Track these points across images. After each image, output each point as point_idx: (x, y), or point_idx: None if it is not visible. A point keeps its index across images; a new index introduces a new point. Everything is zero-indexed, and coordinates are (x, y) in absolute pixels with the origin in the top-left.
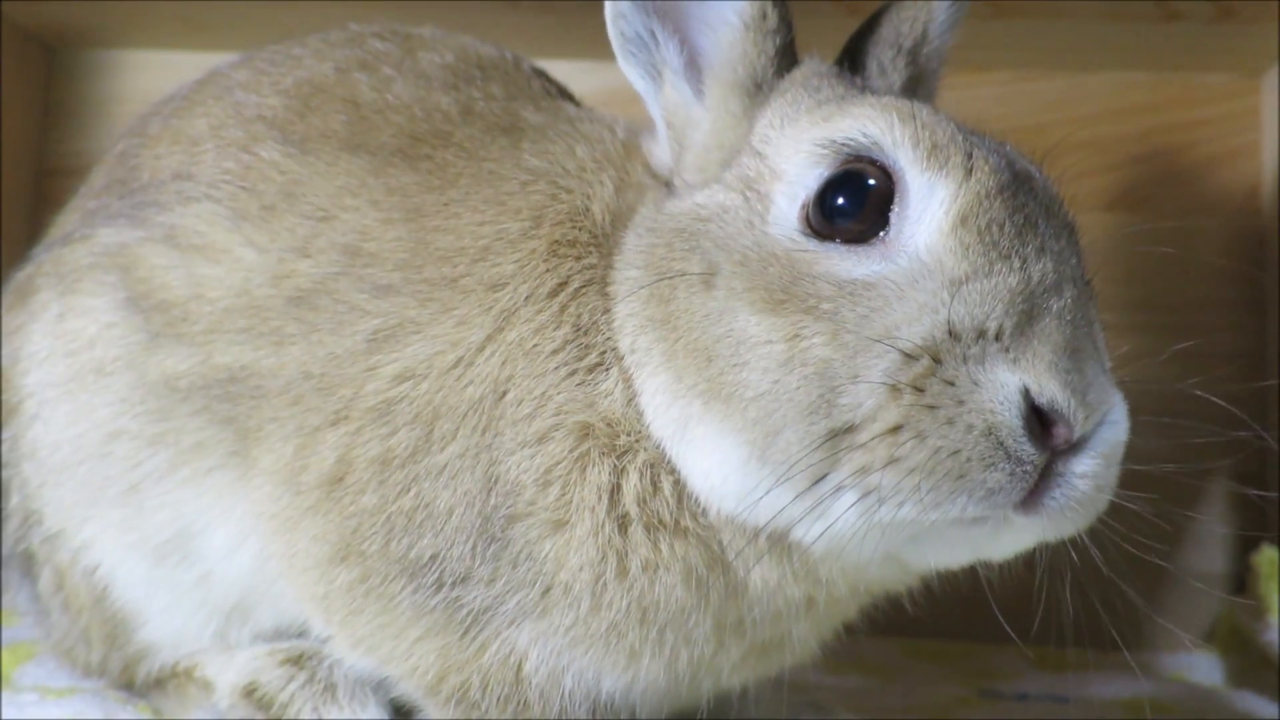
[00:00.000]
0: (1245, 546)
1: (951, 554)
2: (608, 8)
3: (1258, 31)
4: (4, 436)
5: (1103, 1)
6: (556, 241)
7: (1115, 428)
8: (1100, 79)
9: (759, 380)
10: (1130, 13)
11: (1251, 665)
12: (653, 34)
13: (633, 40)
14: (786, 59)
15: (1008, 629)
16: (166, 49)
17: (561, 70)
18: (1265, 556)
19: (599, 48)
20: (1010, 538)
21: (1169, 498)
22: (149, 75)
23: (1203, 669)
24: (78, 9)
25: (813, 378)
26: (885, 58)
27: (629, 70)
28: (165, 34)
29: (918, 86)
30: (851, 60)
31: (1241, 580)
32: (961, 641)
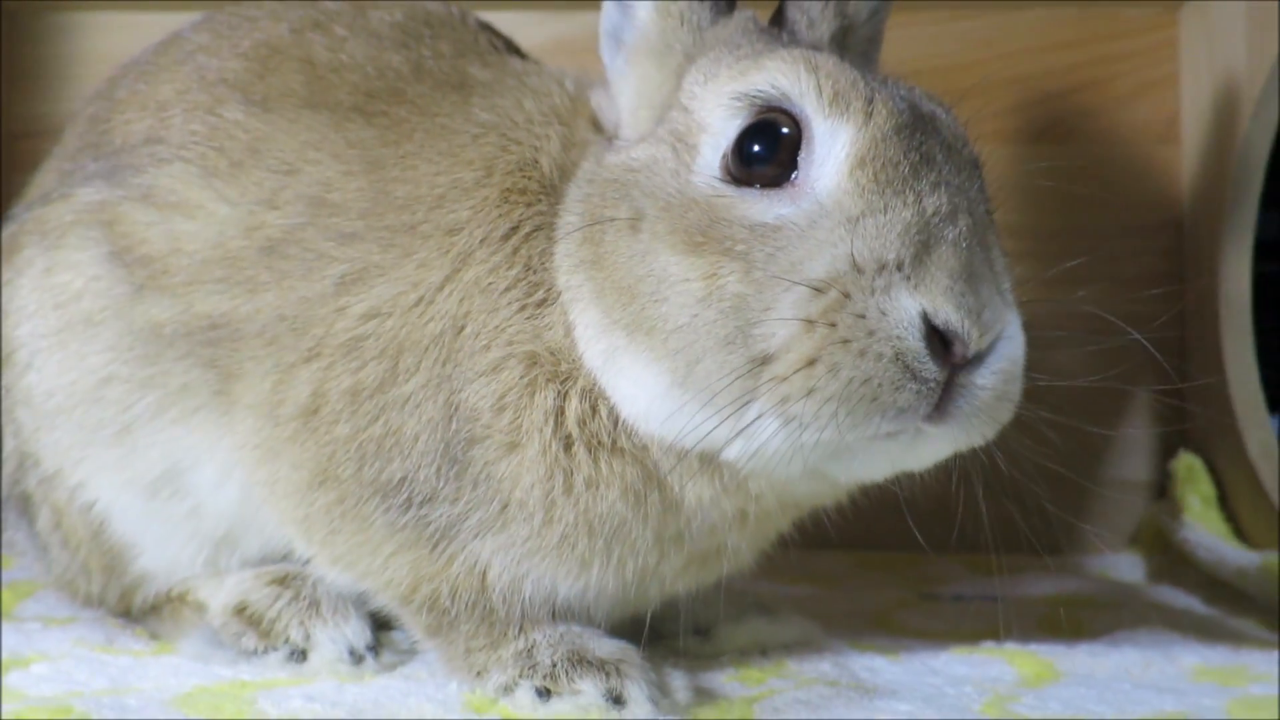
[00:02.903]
0: (1167, 455)
1: (873, 467)
2: (603, 11)
3: None
4: None
5: None
6: (508, 189)
7: (1011, 343)
8: (1027, 15)
9: (678, 314)
10: None
11: (1170, 563)
12: (620, 21)
13: (609, 34)
14: (707, 14)
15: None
16: (124, 9)
17: (511, 20)
18: (1183, 463)
19: None
20: (926, 448)
21: (1097, 413)
22: (108, 36)
23: (1125, 568)
24: None
25: (729, 311)
26: (814, 11)
27: (605, 55)
28: None
29: (846, 36)
30: (782, 15)
31: (1164, 486)
32: (906, 552)
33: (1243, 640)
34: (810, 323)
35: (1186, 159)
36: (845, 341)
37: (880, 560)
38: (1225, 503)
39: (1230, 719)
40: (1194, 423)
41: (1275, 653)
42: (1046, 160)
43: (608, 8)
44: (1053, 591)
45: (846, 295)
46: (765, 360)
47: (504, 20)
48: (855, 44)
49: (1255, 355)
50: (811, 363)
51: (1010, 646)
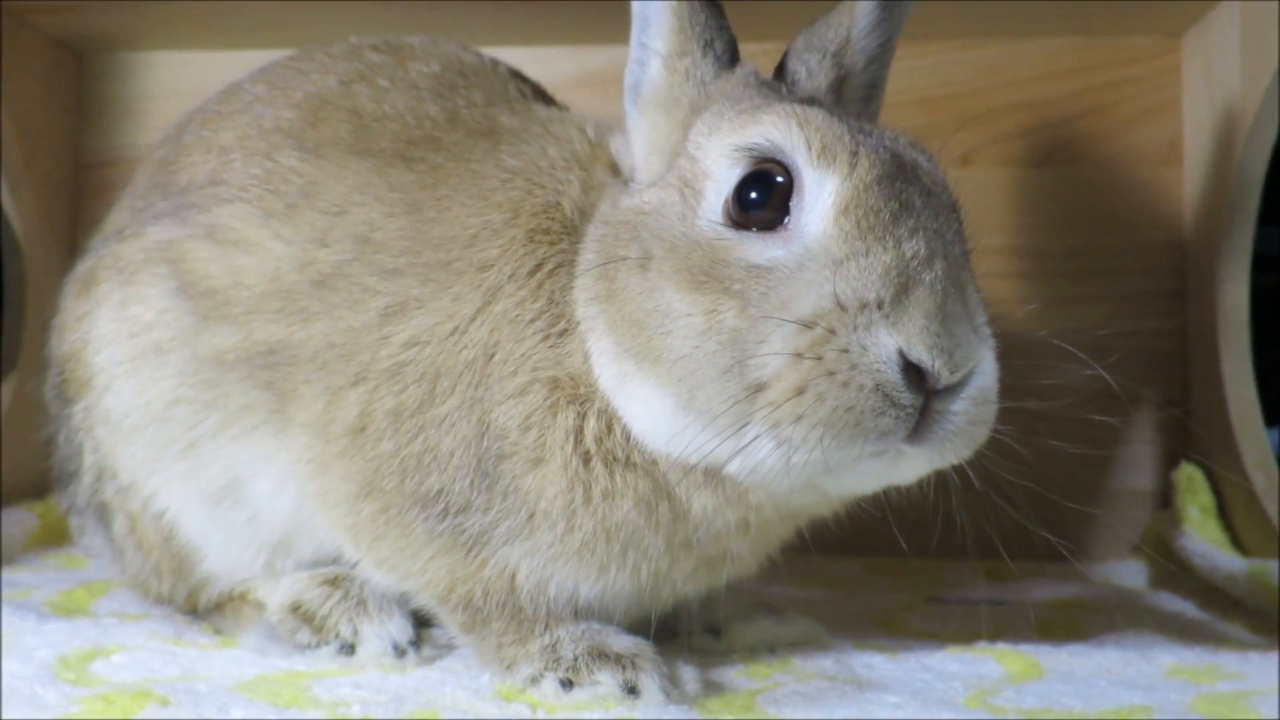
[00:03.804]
0: (1170, 466)
1: (861, 482)
2: (627, 66)
3: None
4: (79, 406)
5: None
6: (533, 230)
7: (983, 376)
8: (1033, 45)
9: (681, 345)
10: None
11: (1171, 570)
12: (642, 73)
13: (631, 86)
14: (710, 68)
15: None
16: (185, 50)
17: (543, 56)
18: (1184, 473)
19: (576, 35)
20: (907, 467)
21: (1102, 426)
22: (170, 74)
23: (1129, 575)
24: (103, 18)
25: (726, 344)
26: (812, 62)
27: (627, 105)
28: (183, 37)
29: (843, 85)
30: (783, 67)
31: (1167, 496)
32: (916, 559)
33: (1223, 642)
34: (799, 355)
35: (1188, 181)
36: (830, 373)
37: (891, 566)
38: (1224, 512)
39: (1192, 715)
40: (1195, 435)
41: (1249, 653)
42: (1053, 183)
43: (630, 65)
44: (1054, 596)
45: (832, 331)
46: (759, 388)
47: (535, 55)
48: (853, 91)
49: (1253, 370)
50: (800, 391)
51: (1001, 646)
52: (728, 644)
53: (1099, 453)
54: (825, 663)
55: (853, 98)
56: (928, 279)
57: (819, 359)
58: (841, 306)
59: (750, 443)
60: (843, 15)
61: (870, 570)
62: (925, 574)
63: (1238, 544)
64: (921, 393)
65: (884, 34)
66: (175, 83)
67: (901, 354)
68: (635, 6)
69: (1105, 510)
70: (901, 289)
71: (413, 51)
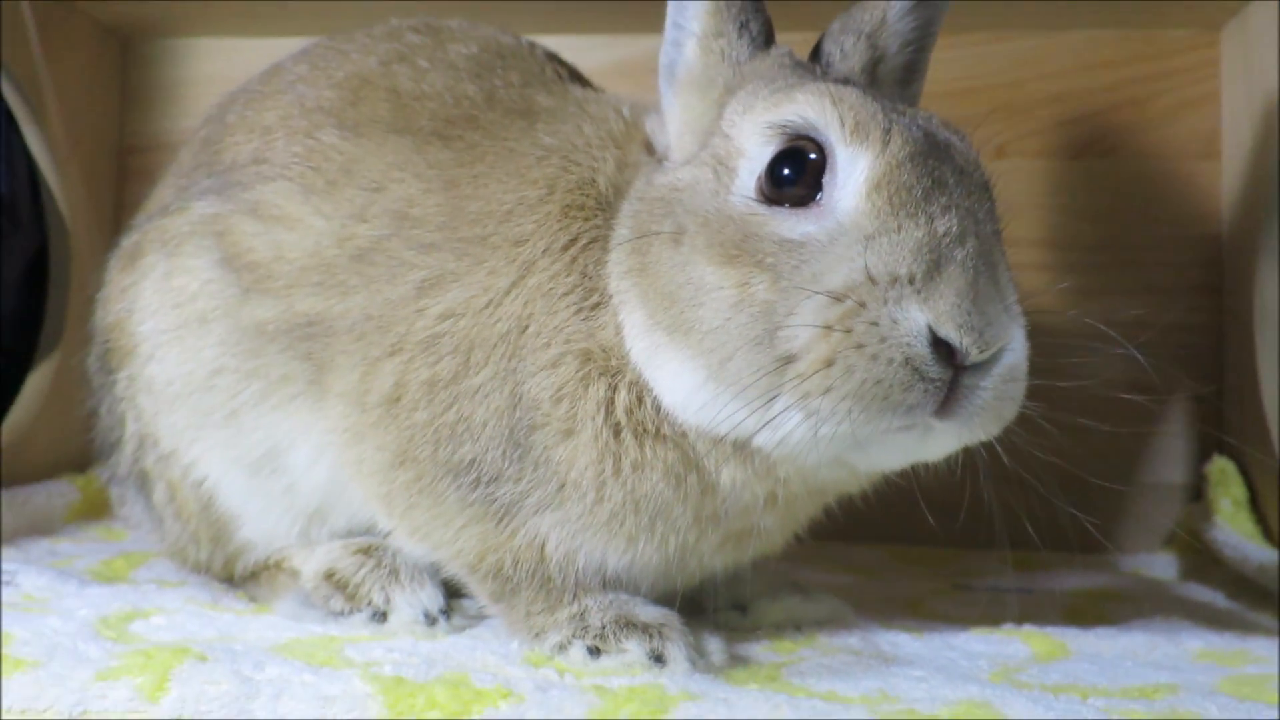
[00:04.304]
0: (1204, 459)
1: (888, 458)
2: (662, 48)
3: None
4: (122, 375)
5: None
6: (568, 206)
7: (1013, 354)
8: (1070, 36)
9: (713, 318)
10: None
11: (1202, 562)
12: (677, 55)
13: (666, 67)
14: (745, 48)
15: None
16: (228, 36)
17: (577, 44)
18: (1216, 466)
19: (609, 25)
20: (936, 442)
21: (1136, 418)
22: (213, 61)
23: (1159, 566)
24: (148, 4)
25: (757, 316)
26: (847, 44)
27: (662, 85)
28: (226, 24)
29: (877, 66)
30: (819, 48)
31: (1199, 489)
32: (945, 548)
33: (1252, 629)
34: (828, 328)
35: (1226, 175)
36: (860, 346)
37: (919, 554)
38: (1256, 505)
39: (1219, 694)
40: (1228, 428)
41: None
42: (1089, 176)
43: (666, 48)
44: (1083, 585)
45: (862, 304)
46: (789, 360)
47: (571, 44)
48: (888, 73)
49: None
50: (829, 363)
51: (1028, 628)
52: (754, 621)
53: (1131, 445)
54: (851, 640)
55: (889, 80)
56: (959, 256)
57: (848, 331)
58: (872, 280)
59: (779, 414)
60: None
61: (897, 558)
62: (952, 562)
63: (1269, 536)
64: (950, 368)
65: (921, 17)
66: (218, 69)
67: (931, 330)
68: None
69: (1137, 502)
70: (933, 265)
71: (451, 33)
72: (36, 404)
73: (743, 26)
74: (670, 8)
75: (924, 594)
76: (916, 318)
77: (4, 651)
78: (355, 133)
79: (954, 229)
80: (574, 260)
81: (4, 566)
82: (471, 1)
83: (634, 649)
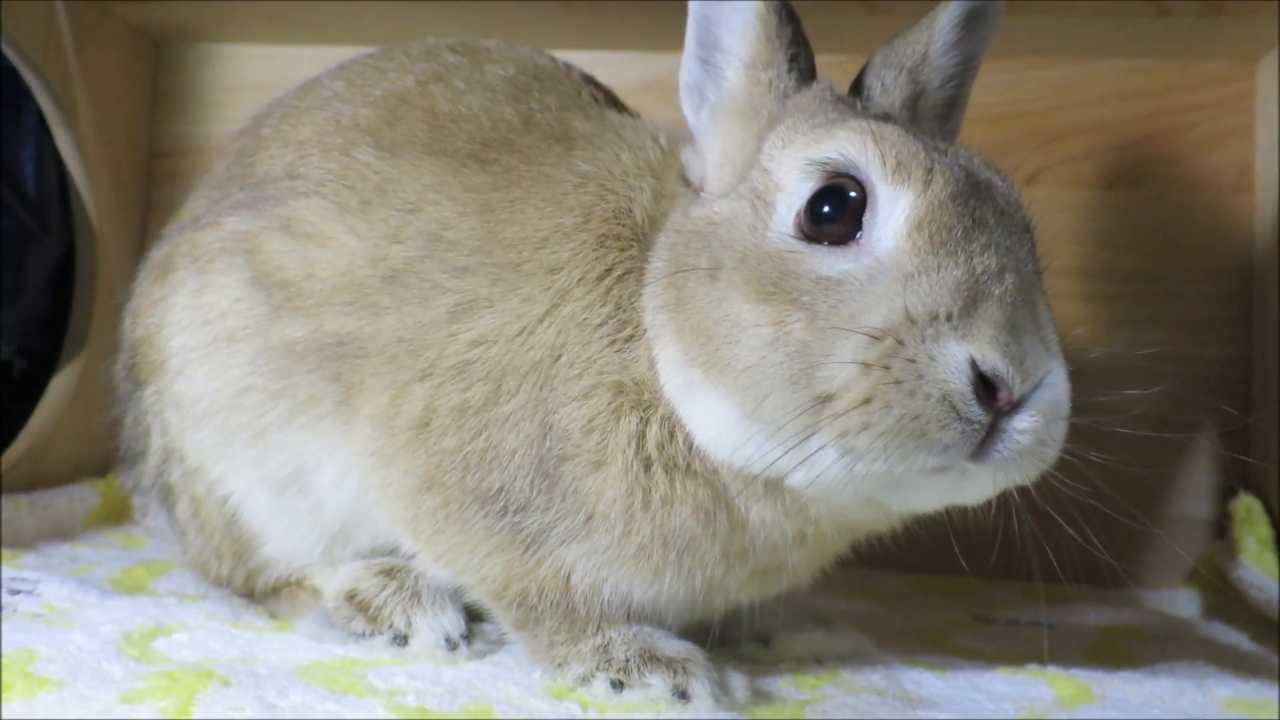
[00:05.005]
0: (1229, 495)
1: (922, 499)
2: (682, 64)
3: (1250, 22)
4: (149, 389)
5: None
6: (604, 235)
7: (1052, 390)
8: (1104, 66)
9: (748, 355)
10: (1125, 8)
11: (1225, 600)
12: (704, 78)
13: (691, 87)
14: (792, 82)
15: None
16: (261, 43)
17: (610, 60)
18: (1242, 503)
19: (642, 41)
20: (972, 486)
21: (1160, 452)
22: (246, 67)
23: (1182, 603)
24: (183, 8)
25: (794, 355)
26: (888, 78)
27: (686, 109)
28: (259, 30)
29: (918, 101)
30: (860, 81)
31: (1223, 526)
32: (965, 577)
33: None
34: (867, 366)
35: (1259, 208)
36: (898, 382)
37: (939, 583)
38: None
39: None
40: (1255, 466)
41: None
42: (1120, 205)
43: (688, 63)
44: (1105, 621)
45: (900, 342)
46: (826, 399)
47: (604, 60)
48: (929, 108)
49: None
50: (868, 400)
51: (1053, 670)
52: (776, 653)
53: (1155, 478)
54: (874, 677)
55: (929, 115)
56: (997, 293)
57: (886, 369)
58: (911, 319)
59: (814, 453)
60: (921, 32)
61: (916, 586)
62: (971, 592)
63: None
64: (990, 411)
65: (964, 53)
66: (250, 75)
67: (973, 365)
68: (702, 5)
69: (1159, 537)
70: (971, 302)
71: (489, 54)
72: (60, 407)
73: (794, 60)
74: (695, 21)
75: (945, 626)
76: (955, 353)
77: (30, 669)
78: (391, 152)
79: (993, 266)
80: (609, 291)
81: (26, 575)
82: (504, 12)
83: (658, 684)
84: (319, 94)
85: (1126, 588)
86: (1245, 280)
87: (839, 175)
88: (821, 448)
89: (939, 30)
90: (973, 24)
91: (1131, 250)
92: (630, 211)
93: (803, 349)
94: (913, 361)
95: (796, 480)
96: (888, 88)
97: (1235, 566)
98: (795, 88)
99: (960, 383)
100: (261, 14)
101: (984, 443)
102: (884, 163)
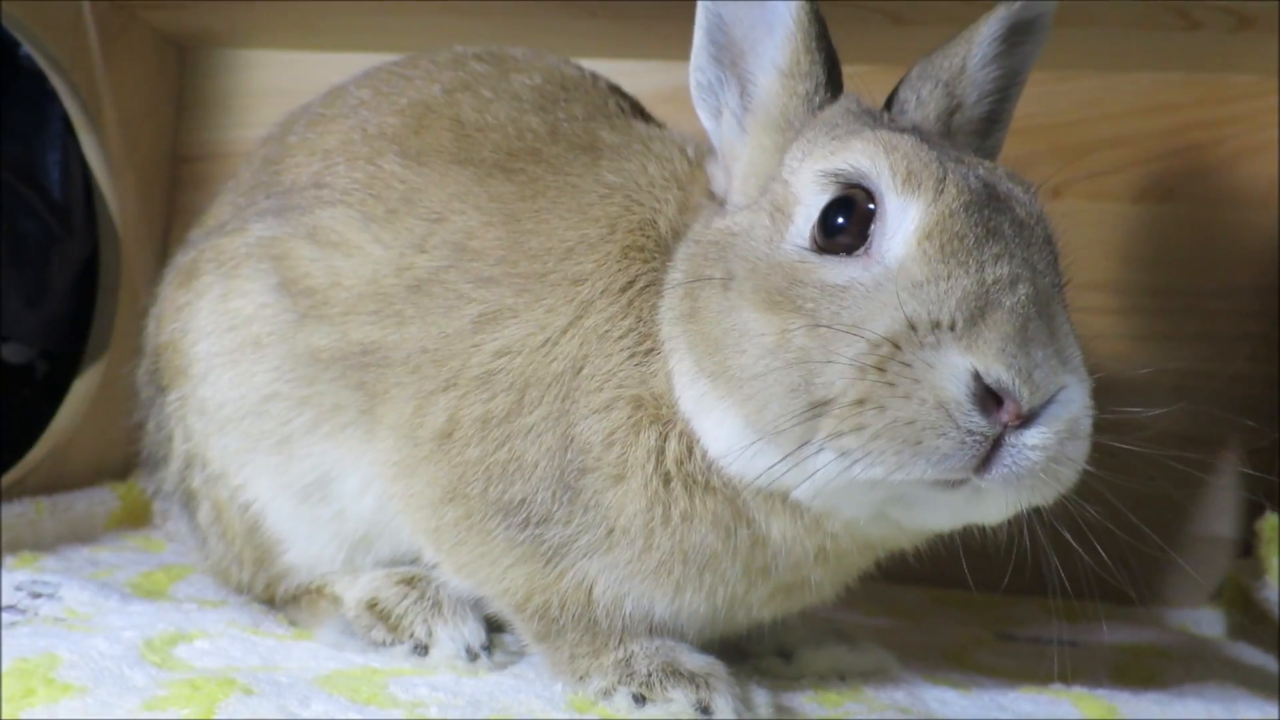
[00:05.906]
0: (1255, 514)
1: (936, 516)
2: (691, 63)
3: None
4: (173, 394)
5: (1128, 9)
6: (628, 247)
7: (1066, 406)
8: (1131, 79)
9: (753, 364)
10: (1154, 21)
11: (1251, 621)
12: (720, 80)
13: (705, 88)
14: (825, 95)
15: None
16: (286, 49)
17: (633, 69)
18: (1269, 523)
19: (666, 50)
20: (987, 505)
21: (1187, 470)
22: (270, 72)
23: (1206, 623)
24: (208, 14)
25: (794, 362)
26: (924, 91)
27: (701, 112)
28: (285, 36)
29: (954, 115)
30: (896, 94)
31: (1249, 544)
32: (987, 593)
33: None
34: (862, 369)
35: None
36: (891, 385)
37: (961, 599)
38: None
39: None
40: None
41: None
42: (1146, 220)
43: (700, 62)
44: (1130, 641)
45: (898, 347)
46: (824, 404)
47: (627, 68)
48: (965, 123)
49: None
50: (861, 402)
51: (1078, 690)
52: (798, 669)
53: (1180, 496)
54: (897, 695)
55: (966, 130)
56: (1008, 303)
57: (882, 371)
58: (912, 326)
59: (811, 458)
60: (959, 45)
61: (938, 601)
62: (994, 608)
63: None
64: (996, 424)
65: (1005, 68)
66: (275, 81)
67: (977, 377)
68: (715, 4)
69: (1185, 556)
70: (979, 312)
71: (515, 63)
72: (81, 410)
73: (830, 72)
74: (706, 18)
75: (967, 643)
76: (955, 363)
77: (53, 675)
78: (417, 161)
79: (1005, 277)
80: (630, 303)
81: (47, 578)
82: (530, 21)
83: (680, 699)
84: (345, 101)
85: (1150, 606)
86: (1273, 296)
87: (851, 186)
88: (818, 451)
89: (978, 44)
90: (1015, 39)
91: (1158, 265)
92: (655, 223)
93: (802, 356)
94: (909, 366)
95: (801, 493)
96: (923, 101)
97: (1261, 586)
98: (829, 100)
99: (957, 390)
100: (287, 20)
101: (991, 457)
102: (893, 172)
